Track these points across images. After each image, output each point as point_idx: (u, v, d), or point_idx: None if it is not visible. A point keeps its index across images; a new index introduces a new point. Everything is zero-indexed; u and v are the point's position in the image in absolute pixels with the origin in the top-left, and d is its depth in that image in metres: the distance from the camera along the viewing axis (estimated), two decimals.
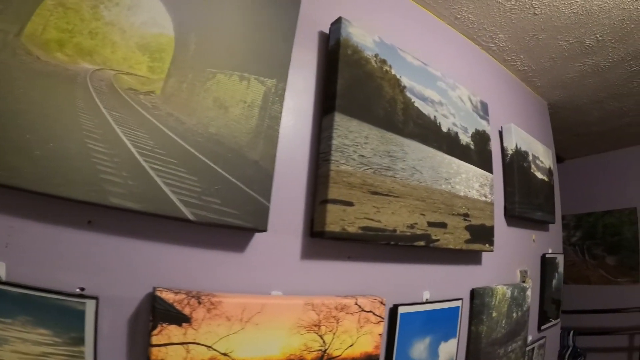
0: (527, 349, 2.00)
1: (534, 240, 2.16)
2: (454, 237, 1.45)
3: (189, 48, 0.85)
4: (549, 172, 2.24)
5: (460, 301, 1.53)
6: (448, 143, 1.50)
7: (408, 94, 1.34)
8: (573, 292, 3.51)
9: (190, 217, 0.79)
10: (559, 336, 2.51)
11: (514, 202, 1.88)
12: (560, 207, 2.54)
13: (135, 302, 0.80)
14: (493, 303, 1.63)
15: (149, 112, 0.77)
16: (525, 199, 1.95)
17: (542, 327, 2.18)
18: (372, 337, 1.10)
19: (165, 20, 0.82)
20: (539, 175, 2.12)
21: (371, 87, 1.18)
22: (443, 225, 1.41)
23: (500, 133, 1.99)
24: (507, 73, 2.28)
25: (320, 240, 1.06)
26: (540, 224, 2.22)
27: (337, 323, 1.01)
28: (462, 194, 1.53)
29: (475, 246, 1.55)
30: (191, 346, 0.77)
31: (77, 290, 0.74)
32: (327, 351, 0.98)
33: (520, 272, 2.00)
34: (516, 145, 1.94)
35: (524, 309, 1.84)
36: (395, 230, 1.19)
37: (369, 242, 1.12)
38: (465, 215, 1.52)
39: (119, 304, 0.77)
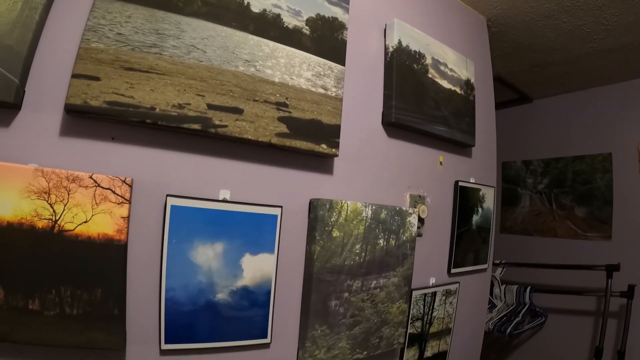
0: (424, 292, 1.67)
1: (441, 163, 1.80)
2: (256, 127, 1.16)
3: None
4: (467, 85, 1.87)
5: (279, 209, 1.23)
6: (259, 24, 1.24)
7: None
8: (537, 244, 3.10)
9: None
10: (487, 286, 2.14)
11: (390, 107, 1.54)
12: (493, 128, 2.15)
13: None
14: (333, 219, 1.31)
15: None
16: (414, 106, 1.60)
17: (454, 271, 1.83)
18: (112, 219, 1.02)
19: None
20: (445, 84, 1.76)
21: None
22: (235, 110, 1.14)
23: (385, 32, 1.64)
24: None
25: (81, 119, 1.03)
26: (452, 145, 1.85)
27: (69, 194, 0.98)
28: (276, 79, 1.23)
29: (299, 143, 1.24)
30: None
31: None
32: (59, 222, 0.97)
33: (411, 196, 1.65)
34: (399, 43, 1.59)
35: (403, 238, 1.51)
36: (153, 109, 1.05)
37: (118, 117, 1.02)
38: (281, 104, 1.22)
39: None
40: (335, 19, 1.40)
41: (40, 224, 0.96)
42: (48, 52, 1.01)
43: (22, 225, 0.95)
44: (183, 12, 1.13)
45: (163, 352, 1.11)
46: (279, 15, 1.28)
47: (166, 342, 1.10)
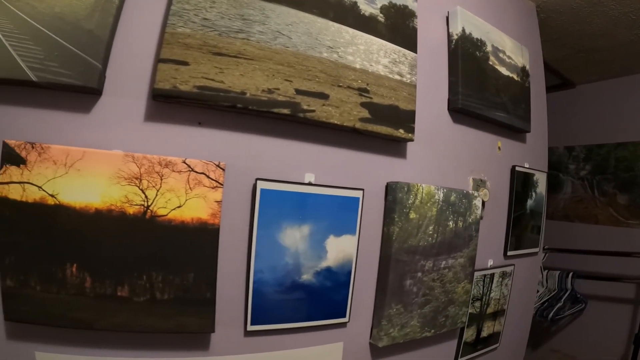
0: (483, 273, 1.71)
1: (499, 148, 1.83)
2: (341, 112, 1.20)
3: None
4: (522, 72, 1.88)
5: (360, 192, 1.28)
6: (338, 11, 1.27)
7: None
8: (578, 230, 3.10)
9: (34, 78, 0.90)
10: (538, 270, 2.17)
11: (456, 93, 1.57)
12: (544, 114, 2.16)
13: None
14: (410, 201, 1.35)
15: (12, 4, 0.91)
16: (477, 92, 1.63)
17: (510, 254, 1.86)
18: (206, 203, 1.02)
19: None
20: (504, 71, 1.78)
21: None
22: (322, 95, 1.18)
23: (448, 19, 1.67)
24: None
25: (167, 104, 1.04)
26: (509, 130, 1.87)
27: (161, 179, 0.98)
28: (357, 66, 1.27)
29: (380, 128, 1.28)
30: (26, 185, 0.89)
31: None
32: (151, 207, 0.97)
33: (474, 180, 1.69)
34: (463, 30, 1.61)
35: (470, 220, 1.55)
36: (244, 93, 1.06)
37: (208, 102, 1.03)
38: (363, 90, 1.26)
39: None
40: (405, 7, 1.43)
41: (131, 210, 0.95)
42: (127, 36, 1.02)
43: (112, 212, 0.94)
44: None
45: (248, 333, 1.15)
46: (355, 3, 1.31)
47: (252, 323, 1.14)
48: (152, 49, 1.04)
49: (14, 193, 0.89)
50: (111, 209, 0.94)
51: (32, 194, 0.90)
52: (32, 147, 0.90)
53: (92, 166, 0.93)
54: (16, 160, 0.89)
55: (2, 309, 0.92)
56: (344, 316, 1.30)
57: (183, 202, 1.00)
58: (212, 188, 1.03)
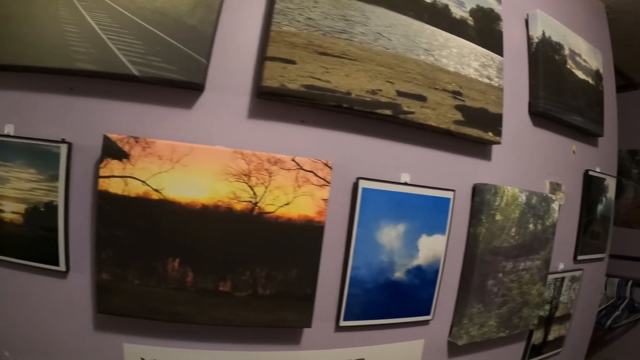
0: (554, 276, 1.71)
1: (574, 152, 1.82)
2: (437, 114, 1.23)
3: None
4: (596, 76, 1.86)
5: (451, 192, 1.30)
6: (431, 13, 1.29)
7: None
8: (638, 237, 3.01)
9: (136, 73, 0.92)
10: (603, 275, 2.14)
11: (538, 97, 1.57)
12: (615, 118, 2.13)
13: (99, 148, 0.93)
14: (497, 203, 1.37)
15: None
16: (556, 96, 1.63)
17: (580, 258, 1.85)
18: (313, 201, 1.03)
19: None
20: (580, 74, 1.77)
21: None
22: (420, 97, 1.21)
23: (527, 22, 1.67)
24: None
25: (270, 101, 1.05)
26: (583, 134, 1.86)
27: (270, 177, 0.99)
28: (451, 69, 1.29)
29: (471, 131, 1.30)
30: (128, 180, 0.91)
31: (60, 139, 0.96)
32: (259, 204, 0.98)
33: (551, 183, 1.69)
34: (543, 34, 1.61)
35: (547, 223, 1.55)
36: (349, 93, 1.09)
37: (315, 101, 1.05)
38: (456, 93, 1.28)
39: (87, 149, 0.96)
40: (491, 10, 1.44)
41: (238, 207, 0.97)
42: (229, 32, 1.04)
43: (219, 208, 0.96)
44: None
45: (338, 329, 1.19)
46: (447, 6, 1.33)
47: (345, 319, 1.18)
48: (254, 46, 1.07)
49: (115, 187, 0.91)
50: (218, 205, 0.96)
51: (134, 189, 0.91)
52: (136, 142, 0.92)
53: (199, 162, 0.94)
54: (118, 154, 0.91)
55: (95, 302, 0.95)
56: (429, 314, 1.33)
57: (291, 199, 1.02)
58: (320, 186, 1.05)
